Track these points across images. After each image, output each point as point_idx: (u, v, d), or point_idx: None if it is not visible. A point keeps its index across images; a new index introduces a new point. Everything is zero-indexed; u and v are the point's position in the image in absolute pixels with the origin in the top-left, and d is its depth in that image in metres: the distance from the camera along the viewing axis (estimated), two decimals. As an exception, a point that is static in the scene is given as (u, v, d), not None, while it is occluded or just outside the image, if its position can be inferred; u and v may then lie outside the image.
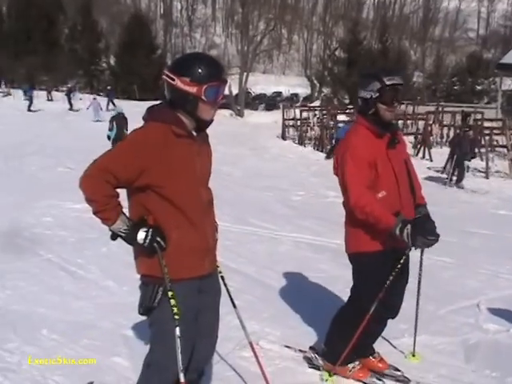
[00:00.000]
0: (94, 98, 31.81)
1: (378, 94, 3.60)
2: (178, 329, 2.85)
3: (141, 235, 2.81)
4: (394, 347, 4.54)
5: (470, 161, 15.77)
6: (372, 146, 3.64)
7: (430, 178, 15.47)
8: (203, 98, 2.81)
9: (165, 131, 2.83)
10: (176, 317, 2.85)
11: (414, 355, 4.35)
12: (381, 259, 3.68)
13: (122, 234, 2.86)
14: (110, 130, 14.83)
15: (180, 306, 2.87)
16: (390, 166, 3.67)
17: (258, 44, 56.45)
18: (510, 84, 42.19)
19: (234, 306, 3.51)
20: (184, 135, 2.87)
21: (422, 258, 4.10)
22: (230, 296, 3.44)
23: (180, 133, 2.85)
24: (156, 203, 2.86)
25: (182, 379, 2.88)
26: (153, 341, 3.06)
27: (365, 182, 3.56)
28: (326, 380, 3.98)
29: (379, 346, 4.09)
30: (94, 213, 2.84)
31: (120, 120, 14.96)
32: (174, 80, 2.81)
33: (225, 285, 3.39)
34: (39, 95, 37.11)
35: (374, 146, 3.65)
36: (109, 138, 14.60)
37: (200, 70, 2.78)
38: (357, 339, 3.72)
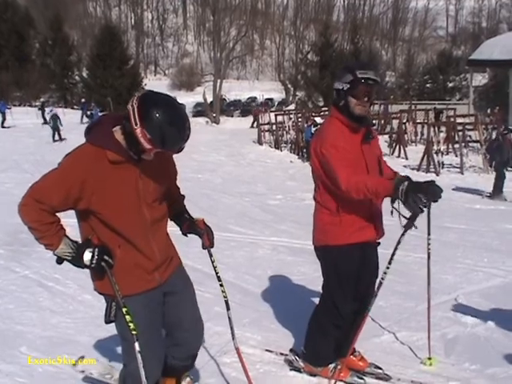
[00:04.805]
0: (51, 110, 32.75)
1: (348, 86, 3.55)
2: (136, 344, 2.86)
3: (87, 256, 2.78)
4: (375, 345, 4.55)
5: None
6: (346, 140, 3.61)
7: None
8: (151, 154, 2.80)
9: (98, 158, 2.74)
10: (133, 332, 2.85)
11: (429, 358, 4.25)
12: (348, 253, 3.69)
13: (68, 257, 2.81)
14: (49, 123, 27.07)
15: (137, 321, 2.87)
16: (363, 161, 3.66)
17: (231, 50, 56.65)
18: (481, 79, 42.83)
19: (228, 308, 3.56)
20: (121, 161, 2.77)
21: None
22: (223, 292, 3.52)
23: (116, 159, 2.75)
24: (97, 224, 2.85)
25: None
26: (124, 355, 3.10)
27: (350, 165, 3.51)
28: None
29: (359, 344, 4.10)
30: (36, 239, 2.80)
31: (54, 117, 26.81)
32: (136, 125, 2.64)
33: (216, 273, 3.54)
34: (13, 111, 36.74)
35: (348, 140, 3.61)
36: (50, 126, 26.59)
37: (164, 138, 2.65)
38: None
